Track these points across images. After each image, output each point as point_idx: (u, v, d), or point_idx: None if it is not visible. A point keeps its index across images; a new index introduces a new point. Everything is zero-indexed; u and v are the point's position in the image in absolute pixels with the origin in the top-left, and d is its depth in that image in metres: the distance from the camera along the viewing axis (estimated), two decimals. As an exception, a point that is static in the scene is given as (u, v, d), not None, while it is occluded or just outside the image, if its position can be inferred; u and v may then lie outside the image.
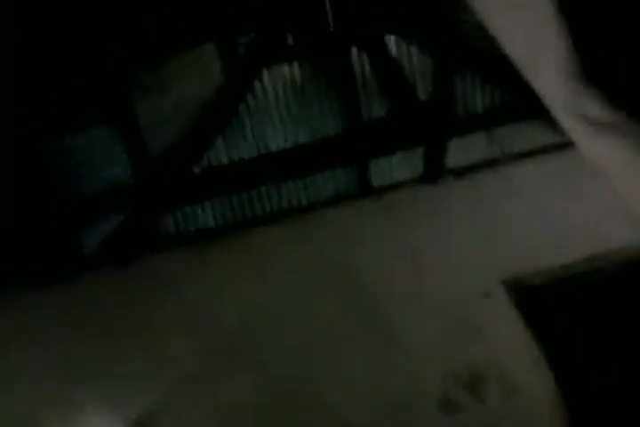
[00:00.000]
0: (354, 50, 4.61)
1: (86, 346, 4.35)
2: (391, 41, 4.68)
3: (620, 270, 4.31)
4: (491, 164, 5.01)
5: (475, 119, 4.98)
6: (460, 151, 5.01)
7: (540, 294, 4.35)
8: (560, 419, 3.84)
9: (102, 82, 4.20)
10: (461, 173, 4.98)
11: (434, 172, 5.00)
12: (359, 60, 4.66)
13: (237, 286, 4.57)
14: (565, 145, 4.85)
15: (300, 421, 4.03)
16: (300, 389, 4.12)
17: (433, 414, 3.98)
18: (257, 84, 4.61)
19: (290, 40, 4.61)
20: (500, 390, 4.03)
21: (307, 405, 4.07)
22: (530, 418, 3.91)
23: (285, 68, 4.64)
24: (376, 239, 4.71)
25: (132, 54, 4.18)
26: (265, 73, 4.59)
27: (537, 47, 2.11)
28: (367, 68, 4.69)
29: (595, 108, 1.12)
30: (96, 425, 4.09)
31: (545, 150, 4.96)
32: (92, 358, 4.31)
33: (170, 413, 4.09)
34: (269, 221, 4.97)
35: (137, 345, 4.34)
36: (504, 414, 3.96)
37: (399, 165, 5.03)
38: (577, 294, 4.31)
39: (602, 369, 3.97)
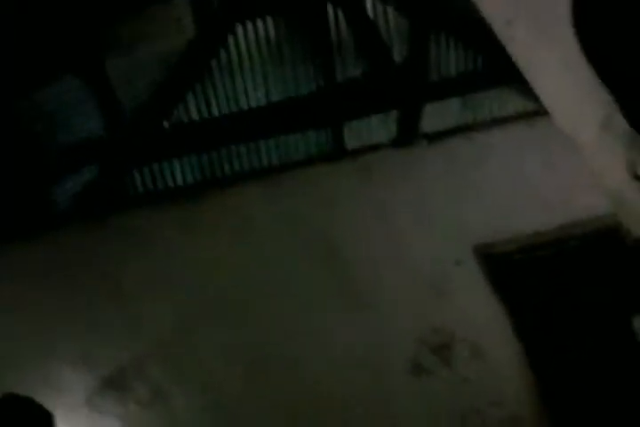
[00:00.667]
0: (330, 7, 4.50)
1: (58, 304, 4.31)
2: (368, 0, 4.58)
3: (593, 239, 4.35)
4: (465, 129, 4.98)
5: (449, 84, 4.93)
6: (434, 116, 4.98)
7: (510, 261, 4.38)
8: (526, 383, 3.92)
9: (74, 36, 4.05)
10: (435, 137, 4.96)
11: (408, 136, 4.96)
12: (335, 19, 4.56)
13: (211, 247, 4.54)
14: (540, 112, 4.84)
15: (273, 383, 4.06)
16: (274, 351, 4.14)
17: (402, 377, 4.03)
18: (230, 40, 4.48)
19: (265, -6, 4.48)
20: (468, 355, 4.10)
21: (279, 367, 4.10)
22: (495, 382, 3.99)
23: (260, 25, 4.52)
24: (350, 201, 4.70)
25: (103, 7, 4.03)
26: (239, 29, 4.46)
27: (517, 19, 2.07)
28: (343, 26, 4.59)
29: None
30: (66, 380, 4.08)
31: (520, 117, 4.94)
32: (63, 316, 4.27)
33: (140, 372, 4.08)
34: (241, 180, 4.90)
35: (109, 304, 4.31)
36: (470, 378, 4.03)
37: (373, 129, 4.99)
38: (548, 262, 4.35)
39: (571, 336, 4.03)
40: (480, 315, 4.17)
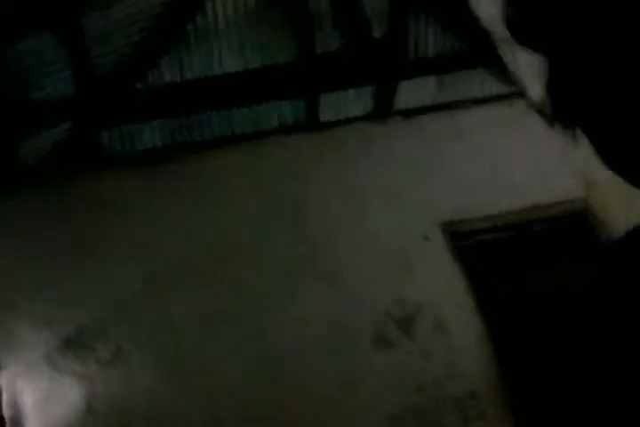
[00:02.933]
0: (311, -24, 4.45)
1: (22, 262, 4.25)
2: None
3: (560, 222, 4.44)
4: (440, 107, 5.01)
5: (427, 62, 4.95)
6: (409, 93, 4.99)
7: (476, 239, 4.45)
8: (486, 359, 4.00)
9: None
10: (410, 114, 4.97)
11: (383, 111, 4.98)
12: (316, -12, 4.51)
13: (180, 211, 4.51)
14: (514, 95, 4.90)
15: (236, 347, 4.07)
16: (238, 316, 4.15)
17: (366, 348, 4.08)
18: (207, 4, 4.41)
19: (244, -41, 4.40)
20: (431, 328, 4.16)
21: (243, 332, 4.11)
22: (456, 356, 4.06)
23: (239, -11, 4.45)
24: (321, 173, 4.71)
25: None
26: (217, -8, 4.39)
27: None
28: (323, -3, 4.55)
29: None
30: (27, 338, 4.03)
31: (495, 99, 4.99)
32: (26, 274, 4.22)
33: (101, 332, 4.06)
34: (214, 146, 4.86)
35: (73, 263, 4.27)
36: (432, 351, 4.10)
37: (349, 102, 4.98)
38: (513, 242, 4.43)
39: (532, 314, 4.12)
40: (445, 290, 4.24)
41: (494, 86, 4.99)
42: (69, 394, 3.95)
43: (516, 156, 4.61)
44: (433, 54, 4.91)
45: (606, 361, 3.57)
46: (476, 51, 4.80)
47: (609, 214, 4.14)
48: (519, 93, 4.94)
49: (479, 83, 5.02)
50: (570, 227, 4.44)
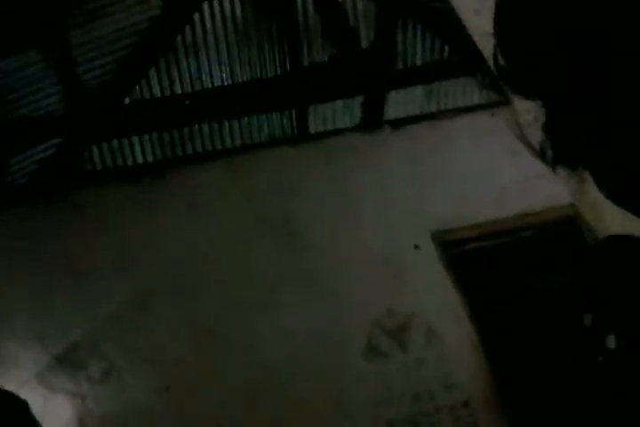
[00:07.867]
0: (298, -12, 4.47)
1: (11, 280, 4.23)
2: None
3: (551, 228, 4.42)
4: (428, 117, 5.01)
5: (415, 72, 4.96)
6: (398, 103, 5.00)
7: (467, 247, 4.44)
8: (480, 367, 3.99)
9: (38, 8, 3.95)
10: (399, 124, 4.97)
11: (372, 121, 4.97)
12: (302, 1, 4.53)
13: (169, 225, 4.49)
14: (502, 102, 4.89)
15: (227, 361, 4.07)
16: (229, 330, 4.14)
17: (357, 359, 4.08)
18: (196, 18, 4.43)
19: (232, -27, 4.42)
20: (423, 338, 4.16)
21: (234, 346, 4.10)
22: (449, 366, 4.05)
23: (226, 3, 4.46)
24: (312, 184, 4.70)
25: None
26: (205, 6, 4.41)
27: (485, 8, 2.09)
28: (311, 9, 4.57)
29: None
30: (18, 356, 4.03)
31: (482, 106, 4.99)
32: (16, 292, 4.20)
33: (93, 349, 4.05)
34: (203, 160, 4.85)
35: (64, 280, 4.25)
36: (424, 361, 4.09)
37: (338, 113, 4.99)
38: (504, 250, 4.42)
39: (524, 322, 4.11)
40: (436, 299, 4.23)
41: (481, 95, 4.99)
42: (62, 412, 3.95)
43: (504, 162, 4.60)
44: (421, 63, 4.92)
45: (599, 368, 3.53)
46: (463, 59, 4.81)
47: (599, 219, 4.11)
48: (505, 102, 4.98)
49: (466, 92, 5.03)
50: (560, 233, 4.42)
